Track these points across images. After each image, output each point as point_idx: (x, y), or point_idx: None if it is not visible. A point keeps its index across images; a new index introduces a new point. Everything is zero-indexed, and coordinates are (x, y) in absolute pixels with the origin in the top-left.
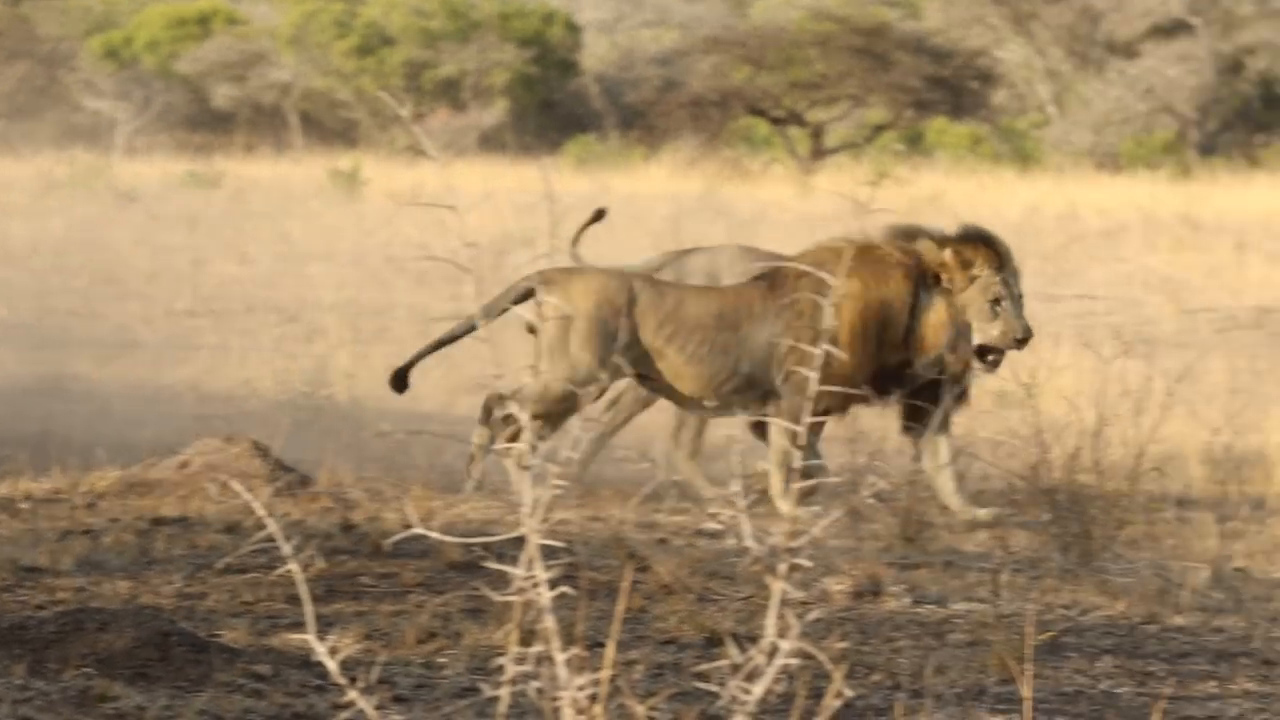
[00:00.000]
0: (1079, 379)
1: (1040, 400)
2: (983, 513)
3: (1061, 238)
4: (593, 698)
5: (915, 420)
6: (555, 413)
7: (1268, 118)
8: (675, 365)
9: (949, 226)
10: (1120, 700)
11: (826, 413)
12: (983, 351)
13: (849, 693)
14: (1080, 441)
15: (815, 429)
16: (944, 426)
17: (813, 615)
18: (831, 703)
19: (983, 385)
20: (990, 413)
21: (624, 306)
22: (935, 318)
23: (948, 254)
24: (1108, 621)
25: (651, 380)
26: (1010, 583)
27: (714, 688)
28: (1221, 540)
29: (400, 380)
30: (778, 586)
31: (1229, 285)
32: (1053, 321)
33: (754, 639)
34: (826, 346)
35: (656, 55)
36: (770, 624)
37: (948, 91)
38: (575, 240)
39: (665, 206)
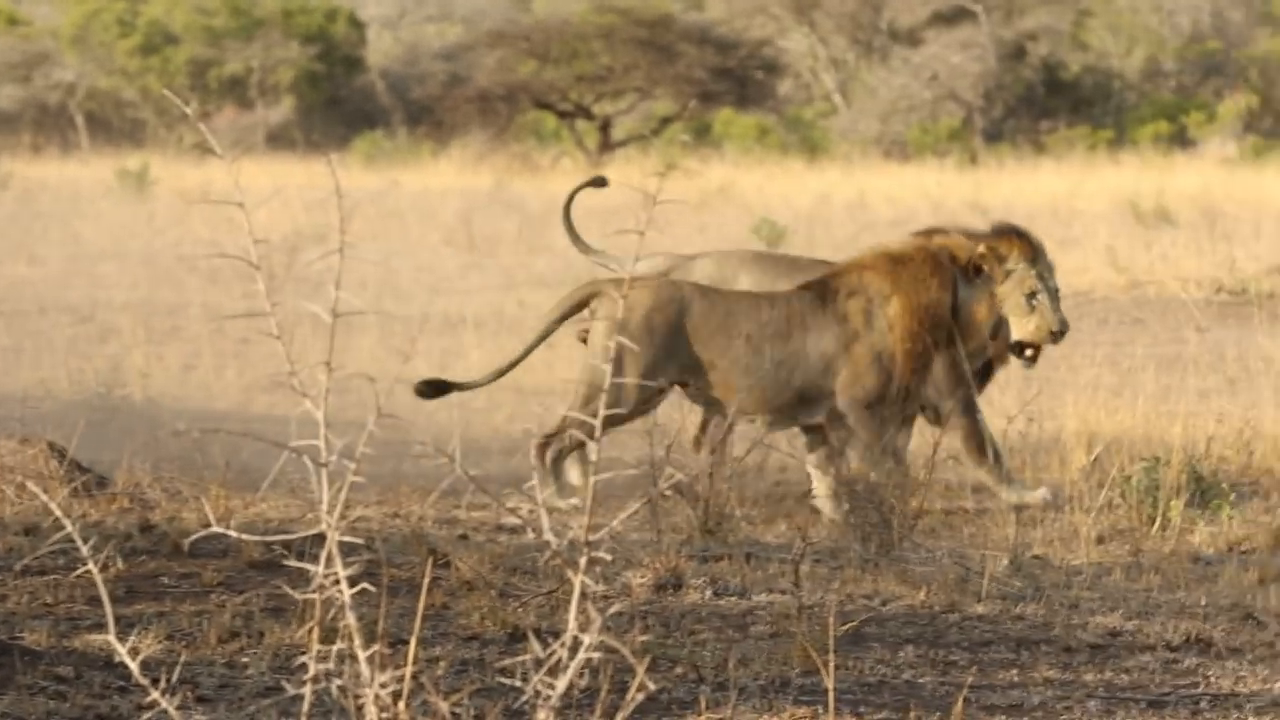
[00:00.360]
0: None
1: None
2: (1033, 495)
3: (851, 227)
4: (396, 695)
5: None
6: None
7: (1052, 104)
8: (725, 376)
9: (983, 223)
10: (923, 689)
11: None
12: (1020, 346)
13: (652, 685)
14: None
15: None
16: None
17: (614, 609)
18: (635, 696)
19: None
20: None
21: (675, 317)
22: (978, 310)
23: (982, 248)
24: (909, 611)
25: (701, 392)
26: (811, 574)
27: (517, 683)
28: (1019, 528)
29: (438, 389)
30: (578, 580)
31: None
32: None
33: (556, 633)
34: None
35: (441, 50)
36: (572, 618)
37: (733, 82)
38: (567, 207)
39: (455, 201)
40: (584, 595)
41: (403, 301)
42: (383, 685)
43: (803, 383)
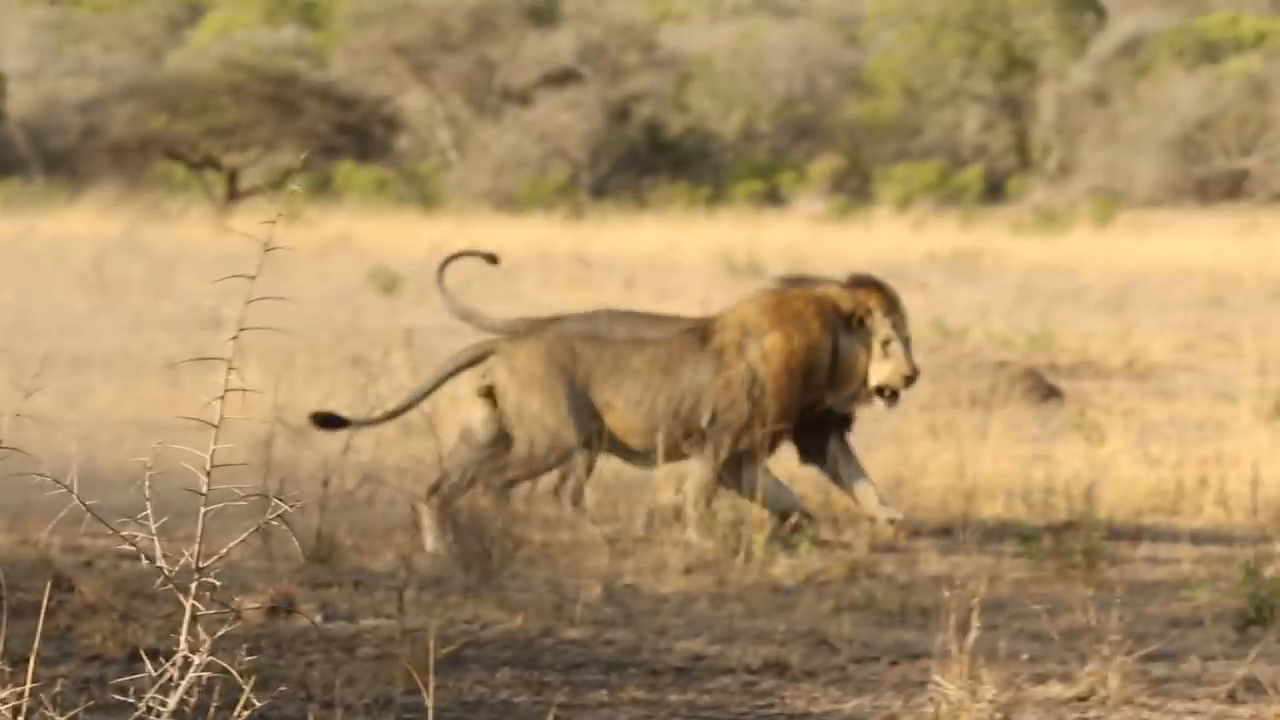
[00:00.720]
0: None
1: (443, 430)
2: (900, 514)
3: (463, 275)
4: (16, 710)
5: (812, 449)
6: (540, 471)
7: (654, 162)
8: (621, 414)
9: (841, 274)
10: (518, 708)
11: (751, 450)
12: (879, 390)
13: (258, 703)
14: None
15: (752, 464)
16: (847, 448)
17: (223, 630)
18: (242, 713)
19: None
20: (396, 441)
21: (571, 366)
22: (854, 357)
23: (871, 302)
24: (506, 635)
25: (602, 436)
26: (416, 600)
27: (132, 700)
28: (612, 559)
29: (332, 423)
30: (189, 604)
31: None
32: None
33: (170, 654)
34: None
35: (78, 103)
36: (183, 639)
37: (354, 137)
38: (441, 272)
39: (88, 247)
40: (194, 618)
41: (35, 341)
42: (2, 701)
43: (689, 416)
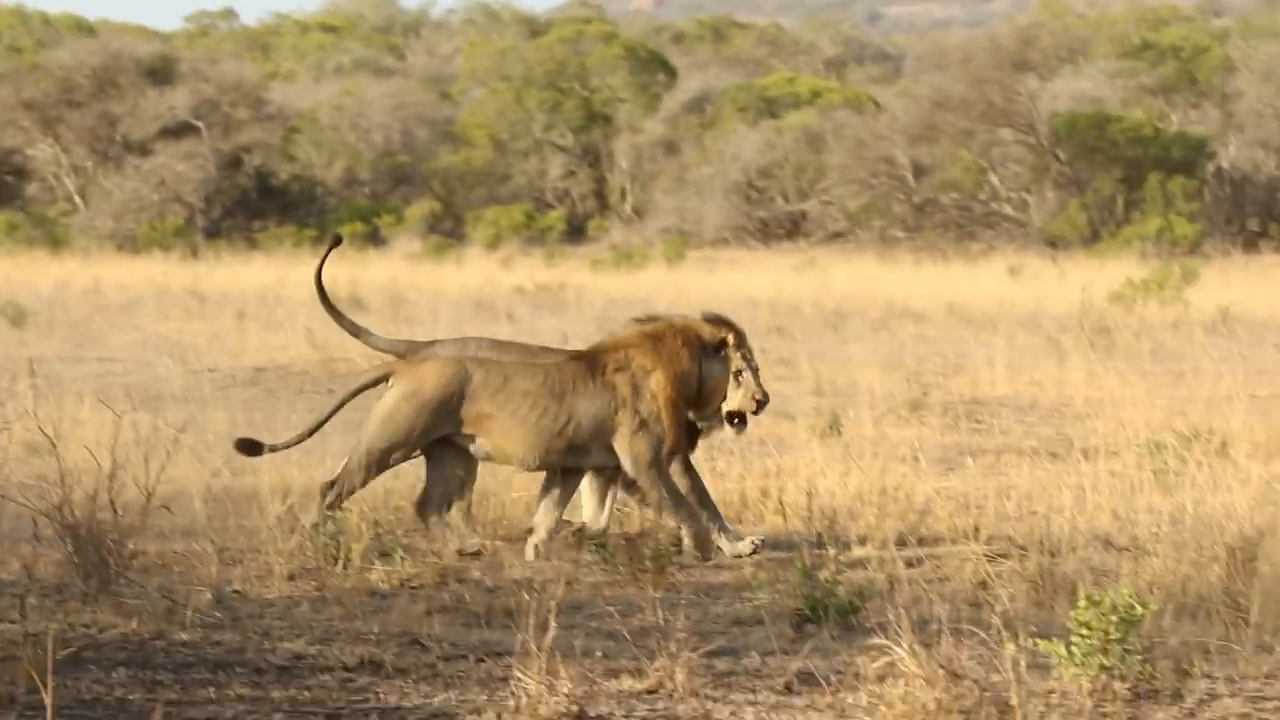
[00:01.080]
0: (99, 430)
1: (64, 449)
2: (743, 544)
3: (86, 309)
4: None
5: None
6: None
7: (263, 206)
8: (507, 429)
9: (691, 312)
10: (132, 705)
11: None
12: (730, 415)
13: None
14: (99, 484)
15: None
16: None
17: None
18: None
19: (13, 438)
20: (21, 460)
21: (462, 386)
22: (717, 381)
23: (725, 330)
24: (122, 638)
25: (482, 443)
26: (38, 606)
27: None
28: (221, 567)
29: (252, 448)
30: None
31: (230, 349)
32: (77, 381)
33: None
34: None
35: None
36: None
37: None
38: (319, 270)
39: None
40: None
41: None
42: None
43: (573, 437)
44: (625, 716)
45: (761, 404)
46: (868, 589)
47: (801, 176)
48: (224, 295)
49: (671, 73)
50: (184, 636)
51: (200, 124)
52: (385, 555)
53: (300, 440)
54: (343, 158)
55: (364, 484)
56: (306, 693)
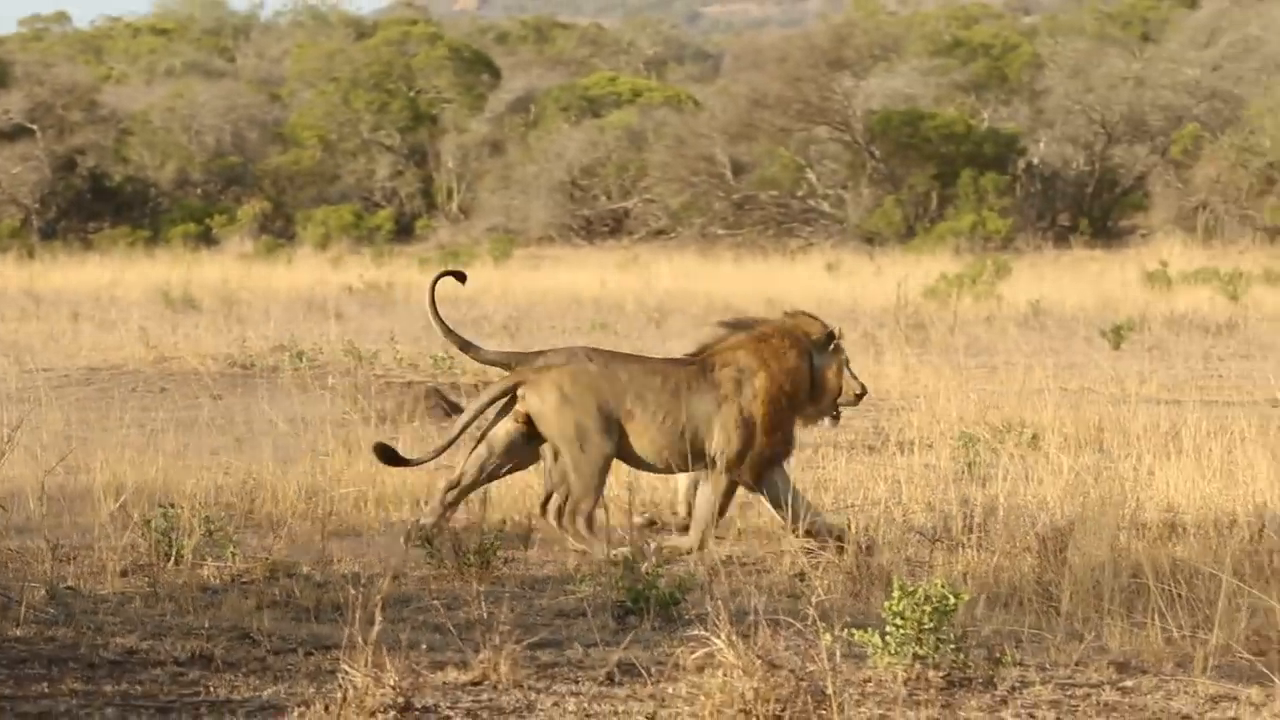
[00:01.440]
0: None
1: None
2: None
3: None
4: None
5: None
6: (600, 486)
7: (98, 207)
8: (642, 428)
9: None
10: None
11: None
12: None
13: None
14: None
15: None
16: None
17: None
18: None
19: None
20: None
21: (595, 386)
22: (831, 375)
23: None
24: None
25: (621, 448)
26: None
27: None
28: (55, 563)
29: (391, 458)
30: None
31: (65, 349)
32: None
33: None
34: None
35: None
36: None
37: None
38: (432, 292)
39: None
40: None
41: None
42: None
43: (691, 439)
44: (451, 708)
45: (860, 396)
46: (688, 581)
47: (624, 175)
48: (59, 296)
49: (496, 73)
50: (18, 632)
51: (35, 127)
52: (217, 550)
53: (437, 455)
54: (175, 159)
55: (599, 494)
56: (138, 687)
